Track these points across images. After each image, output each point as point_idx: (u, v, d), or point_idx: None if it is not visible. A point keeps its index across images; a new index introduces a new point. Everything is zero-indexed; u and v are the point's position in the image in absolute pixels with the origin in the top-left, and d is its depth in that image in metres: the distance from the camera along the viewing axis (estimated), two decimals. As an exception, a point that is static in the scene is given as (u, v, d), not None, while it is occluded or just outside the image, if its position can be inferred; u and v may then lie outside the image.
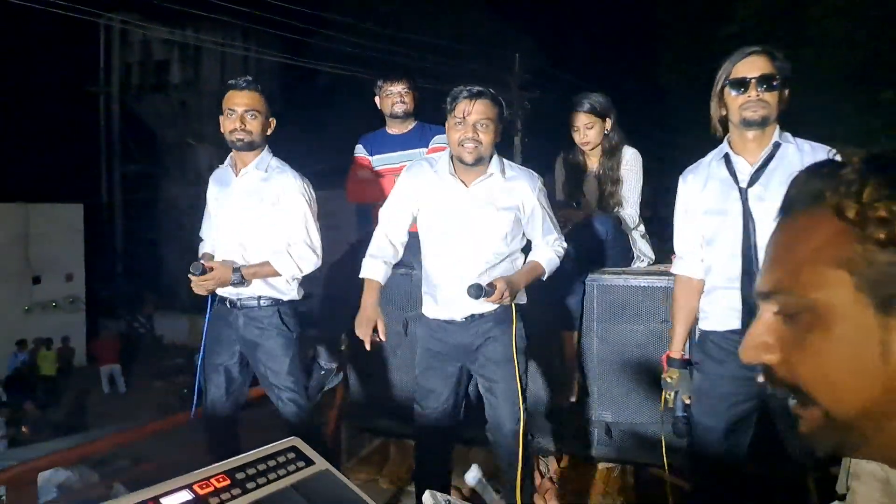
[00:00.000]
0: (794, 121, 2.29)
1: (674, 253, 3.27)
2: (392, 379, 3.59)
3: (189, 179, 21.36)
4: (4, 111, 19.19)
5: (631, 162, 3.23)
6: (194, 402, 3.02)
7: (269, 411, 3.04)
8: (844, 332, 0.61)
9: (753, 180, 2.16)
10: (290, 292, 2.87)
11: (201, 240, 3.08)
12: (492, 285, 2.35)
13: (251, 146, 2.78)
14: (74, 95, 21.40)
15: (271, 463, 1.09)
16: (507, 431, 2.53)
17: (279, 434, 1.31)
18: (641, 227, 3.32)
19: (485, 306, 2.47)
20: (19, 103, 19.77)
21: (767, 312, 0.67)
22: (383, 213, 2.70)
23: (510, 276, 2.43)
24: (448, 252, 2.53)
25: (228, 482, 1.01)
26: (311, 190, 2.88)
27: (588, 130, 3.21)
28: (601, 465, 3.24)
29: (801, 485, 2.45)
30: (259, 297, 2.81)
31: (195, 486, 0.98)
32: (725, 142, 2.28)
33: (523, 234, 2.58)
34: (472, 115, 2.40)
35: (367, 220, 3.66)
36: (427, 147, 3.41)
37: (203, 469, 1.02)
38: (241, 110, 2.74)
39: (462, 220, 2.50)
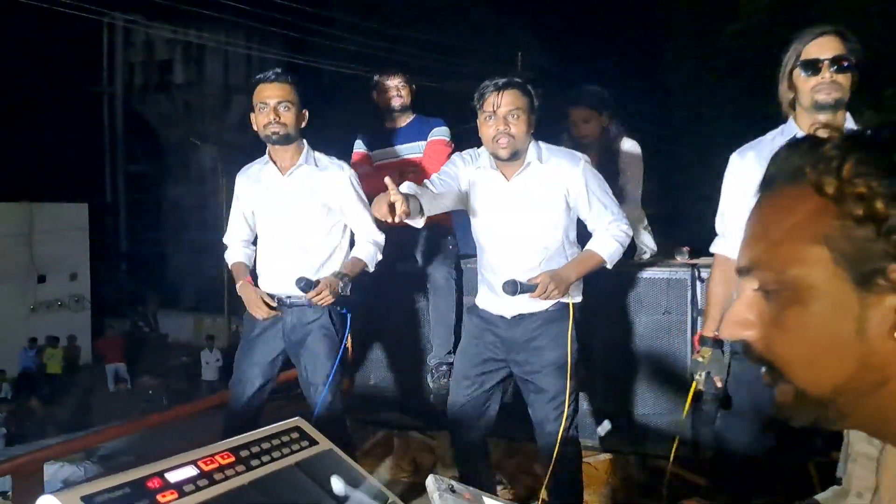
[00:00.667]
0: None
1: (678, 247, 3.29)
2: (396, 372, 3.60)
3: (193, 179, 21.41)
4: (9, 111, 19.25)
5: (630, 153, 3.22)
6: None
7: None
8: (822, 308, 0.62)
9: None
10: (371, 267, 2.80)
11: (225, 246, 3.00)
12: (533, 281, 2.27)
13: (287, 139, 2.68)
14: (78, 95, 21.46)
15: (275, 442, 1.10)
16: (548, 432, 2.44)
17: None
18: (643, 219, 3.32)
19: (535, 305, 2.38)
20: (23, 103, 19.83)
21: (748, 289, 0.67)
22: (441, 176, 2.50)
23: (556, 270, 2.32)
24: (496, 248, 2.47)
25: (233, 459, 1.02)
26: (353, 173, 2.81)
27: (586, 124, 3.20)
28: (604, 456, 3.24)
29: (803, 470, 2.45)
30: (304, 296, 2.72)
31: (200, 462, 0.99)
32: (791, 122, 2.19)
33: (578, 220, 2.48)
34: (501, 108, 2.32)
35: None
36: (426, 140, 3.42)
37: (209, 446, 1.04)
38: (273, 103, 2.63)
39: (506, 214, 2.43)
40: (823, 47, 2.06)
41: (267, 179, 2.79)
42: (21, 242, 16.61)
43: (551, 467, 2.41)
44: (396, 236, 3.40)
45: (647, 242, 3.31)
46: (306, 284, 2.59)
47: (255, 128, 2.73)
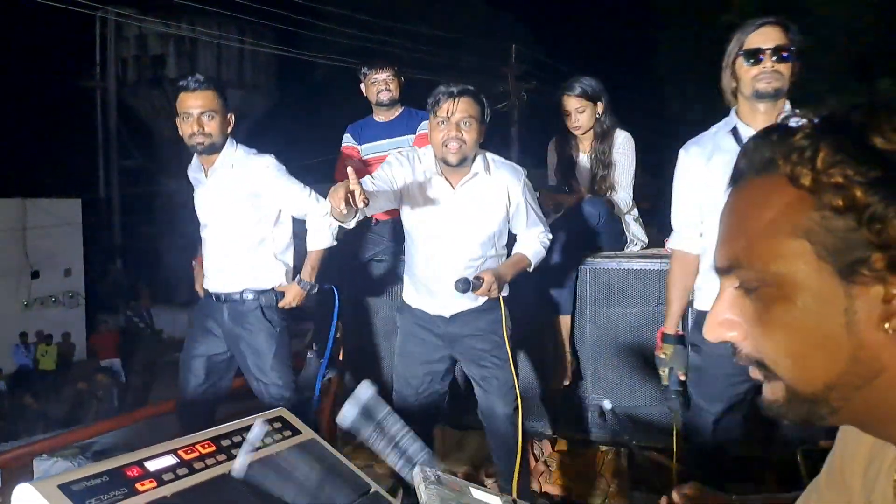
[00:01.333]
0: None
1: (668, 238, 3.29)
2: (386, 367, 3.60)
3: (186, 174, 21.28)
4: (1, 106, 19.14)
5: (623, 145, 3.22)
6: None
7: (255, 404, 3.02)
8: (808, 303, 0.60)
9: None
10: (276, 282, 2.80)
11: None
12: (479, 278, 2.36)
13: (213, 149, 2.69)
14: (71, 90, 21.33)
15: (255, 438, 1.10)
16: (501, 416, 2.53)
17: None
18: (634, 211, 3.33)
19: (470, 303, 2.50)
20: (15, 98, 19.72)
21: (728, 288, 0.66)
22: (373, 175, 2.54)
23: (497, 269, 2.45)
24: (436, 253, 2.52)
25: (214, 448, 1.02)
26: (278, 161, 2.79)
27: (579, 114, 3.20)
28: (594, 448, 3.25)
29: (791, 460, 2.46)
30: (242, 291, 2.75)
31: (180, 451, 0.99)
32: (733, 114, 2.23)
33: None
34: (455, 115, 2.35)
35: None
36: (414, 133, 3.41)
37: (189, 436, 1.03)
38: (196, 112, 2.63)
39: (450, 222, 2.48)
40: (765, 37, 2.09)
41: (197, 179, 2.85)
42: (14, 238, 16.52)
43: (518, 459, 2.47)
44: (386, 231, 3.41)
45: (638, 234, 3.31)
46: (279, 295, 2.73)
47: (180, 133, 2.71)
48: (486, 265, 2.51)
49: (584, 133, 3.26)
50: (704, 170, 2.24)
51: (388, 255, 3.38)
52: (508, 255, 2.62)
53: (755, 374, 0.66)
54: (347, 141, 3.59)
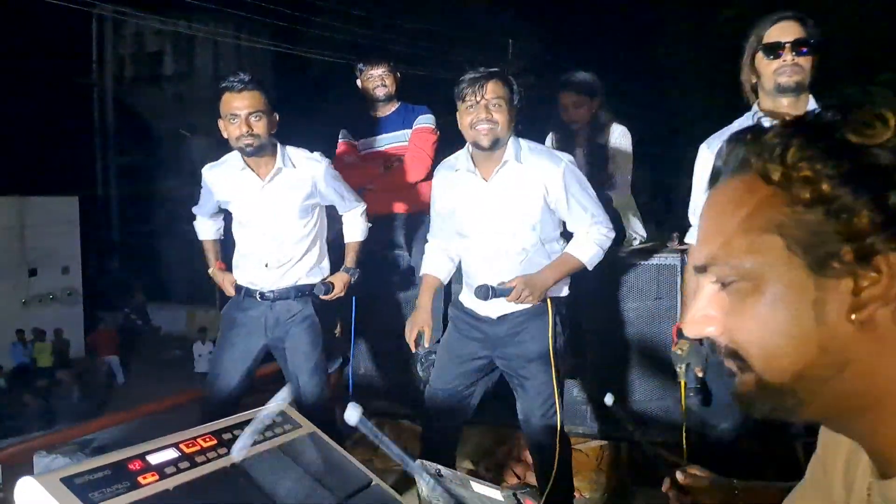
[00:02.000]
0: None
1: (670, 234, 3.29)
2: (389, 361, 3.60)
3: (184, 171, 21.31)
4: (-3, 104, 19.10)
5: (620, 139, 3.22)
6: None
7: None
8: (780, 296, 0.62)
9: None
10: (321, 274, 2.82)
11: (194, 216, 3.06)
12: (508, 285, 2.28)
13: (261, 149, 2.64)
14: (68, 87, 21.29)
15: (258, 425, 1.10)
16: (537, 426, 2.45)
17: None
18: (633, 205, 3.33)
19: (518, 305, 2.37)
20: (12, 96, 19.66)
21: (707, 285, 0.68)
22: (432, 225, 2.66)
23: (532, 275, 2.33)
24: (477, 249, 2.45)
25: (215, 442, 1.02)
26: (328, 161, 2.85)
27: (576, 109, 3.20)
28: (594, 443, 3.25)
29: (790, 453, 2.47)
30: (294, 288, 2.74)
31: (182, 445, 0.99)
32: (756, 109, 2.22)
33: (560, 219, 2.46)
34: (483, 97, 2.29)
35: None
36: (411, 128, 3.41)
37: (191, 429, 1.03)
38: (244, 114, 2.56)
39: (485, 216, 2.41)
40: (784, 31, 2.09)
41: (242, 183, 2.75)
42: (12, 236, 16.51)
43: (555, 469, 2.40)
44: (384, 226, 3.41)
45: (637, 229, 3.31)
46: (327, 289, 2.76)
47: (225, 136, 2.67)
48: (532, 260, 2.39)
49: (580, 127, 3.26)
50: None
51: (401, 250, 3.38)
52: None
53: (730, 365, 0.67)
54: (344, 137, 3.58)
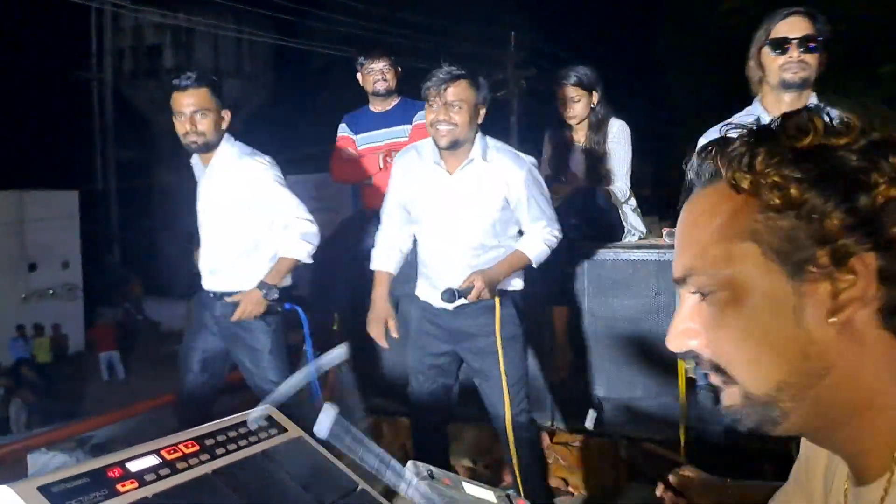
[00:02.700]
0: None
1: (666, 227, 3.27)
2: (383, 358, 3.58)
3: (184, 165, 21.27)
4: (-3, 98, 19.07)
5: (618, 134, 3.20)
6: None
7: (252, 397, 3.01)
8: (758, 303, 0.62)
9: None
10: (306, 259, 2.78)
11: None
12: (468, 285, 2.32)
13: (207, 147, 2.67)
14: (67, 81, 21.25)
15: (243, 430, 1.08)
16: (500, 415, 2.50)
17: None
18: (632, 201, 3.31)
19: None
20: (11, 90, 19.64)
21: (687, 298, 0.68)
22: (383, 213, 2.67)
23: (487, 271, 2.38)
24: (437, 241, 2.50)
25: (197, 448, 1.00)
26: (274, 165, 2.76)
27: (575, 104, 3.19)
28: (593, 440, 3.24)
29: (786, 452, 2.45)
30: (237, 291, 2.70)
31: (163, 451, 0.97)
32: (757, 103, 2.22)
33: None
34: (445, 99, 2.33)
35: (360, 200, 3.64)
36: (410, 123, 3.38)
37: (172, 435, 1.01)
38: (189, 111, 2.61)
39: (447, 209, 2.45)
40: (793, 27, 2.08)
41: (198, 172, 2.81)
42: (11, 231, 16.49)
43: (514, 456, 2.46)
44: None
45: (636, 224, 3.29)
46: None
47: (177, 132, 2.69)
48: (489, 256, 2.45)
49: (579, 123, 3.24)
50: None
51: None
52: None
53: (715, 379, 0.67)
54: (343, 131, 3.56)
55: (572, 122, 3.24)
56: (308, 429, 1.01)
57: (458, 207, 2.44)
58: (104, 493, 0.89)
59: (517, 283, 2.54)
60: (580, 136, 3.28)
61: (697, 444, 2.44)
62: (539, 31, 19.52)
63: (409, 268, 2.75)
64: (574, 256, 3.12)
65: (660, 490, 1.11)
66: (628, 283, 3.10)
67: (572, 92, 3.18)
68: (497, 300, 2.44)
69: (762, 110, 2.18)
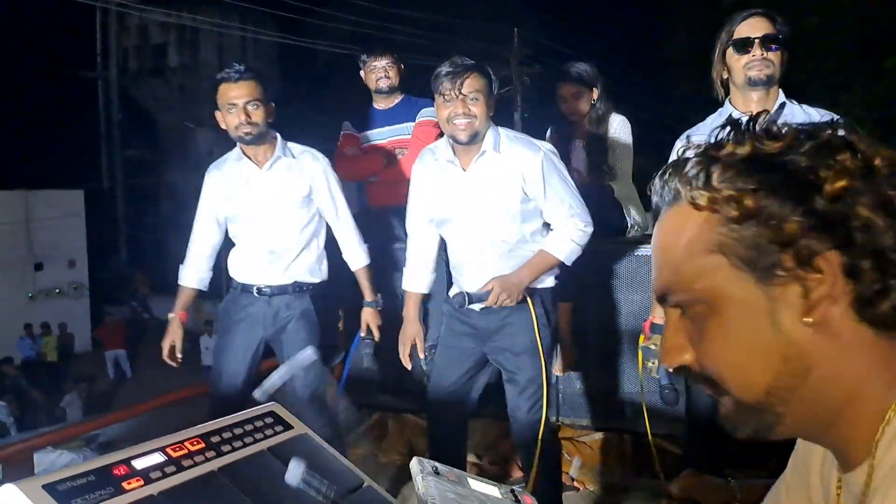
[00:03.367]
0: (799, 89, 2.29)
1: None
2: (391, 355, 3.58)
3: (189, 163, 21.35)
4: (3, 98, 19.13)
5: (619, 129, 3.19)
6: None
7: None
8: (734, 313, 0.64)
9: None
10: (320, 274, 2.82)
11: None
12: (484, 289, 2.28)
13: (260, 138, 2.65)
14: (72, 80, 21.31)
15: (248, 427, 1.08)
16: (523, 420, 2.43)
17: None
18: (635, 196, 3.30)
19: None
20: (17, 90, 19.70)
21: (671, 315, 0.70)
22: (409, 228, 2.64)
23: (507, 276, 2.30)
24: (461, 241, 2.44)
25: (203, 445, 1.00)
26: (328, 162, 2.84)
27: (575, 100, 3.18)
28: (597, 435, 3.24)
29: (790, 443, 2.45)
30: (293, 284, 2.73)
31: (168, 449, 0.97)
32: (727, 104, 2.27)
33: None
34: (461, 90, 2.26)
35: (365, 198, 3.65)
36: (414, 121, 3.38)
37: (178, 433, 1.02)
38: (241, 103, 2.58)
39: (465, 206, 2.38)
40: (754, 27, 2.16)
41: (239, 176, 2.75)
42: (18, 230, 16.56)
43: (536, 460, 2.40)
44: (386, 219, 3.39)
45: (639, 219, 3.28)
46: (373, 347, 2.91)
47: (223, 127, 2.67)
48: (513, 252, 2.36)
49: (580, 118, 3.23)
50: None
51: (402, 243, 3.36)
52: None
53: (707, 392, 0.69)
54: (346, 128, 3.56)
55: (573, 118, 3.23)
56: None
57: (475, 203, 2.36)
58: (110, 490, 0.89)
59: (549, 282, 2.45)
60: (581, 131, 3.27)
61: (697, 439, 2.44)
62: (543, 27, 19.48)
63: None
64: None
65: None
66: (632, 278, 3.09)
67: (573, 88, 3.17)
68: (530, 302, 2.36)
69: (732, 110, 2.24)
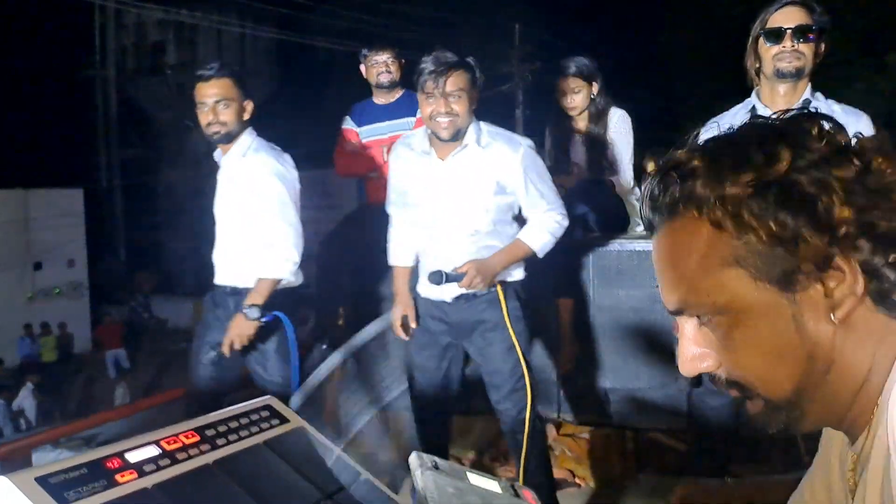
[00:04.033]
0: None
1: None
2: (392, 352, 3.57)
3: (188, 162, 21.32)
4: (0, 96, 19.09)
5: (619, 124, 3.19)
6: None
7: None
8: (760, 321, 0.65)
9: None
10: (288, 278, 2.74)
11: None
12: (460, 270, 2.28)
13: (229, 137, 2.64)
14: (70, 79, 21.27)
15: (244, 420, 1.07)
16: (505, 410, 2.46)
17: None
18: (636, 191, 3.29)
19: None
20: (15, 88, 19.67)
21: (688, 324, 0.70)
22: (388, 209, 2.63)
23: (483, 260, 2.33)
24: (432, 230, 2.45)
25: (198, 438, 0.99)
26: (293, 170, 2.69)
27: (575, 95, 3.17)
28: (597, 430, 3.23)
29: (791, 438, 2.45)
30: (246, 287, 2.66)
31: (162, 442, 0.95)
32: (754, 94, 2.23)
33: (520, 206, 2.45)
34: (444, 88, 2.26)
35: (365, 194, 3.63)
36: (415, 116, 3.37)
37: (173, 426, 1.00)
38: (211, 101, 2.59)
39: (441, 197, 2.40)
40: (788, 16, 2.09)
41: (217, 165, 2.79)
42: (16, 230, 16.51)
43: (524, 448, 2.41)
44: (385, 214, 3.38)
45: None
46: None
47: (200, 124, 2.68)
48: (484, 242, 2.38)
49: (579, 113, 3.22)
50: None
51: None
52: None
53: (735, 394, 0.70)
54: (347, 124, 3.55)
55: (573, 112, 3.23)
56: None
57: (449, 194, 2.38)
58: (103, 483, 0.88)
59: (518, 274, 2.47)
60: (581, 126, 3.26)
61: (700, 434, 2.43)
62: (544, 23, 19.40)
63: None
64: (579, 248, 3.10)
65: None
66: (633, 273, 3.08)
67: (572, 83, 3.17)
68: (500, 292, 2.38)
69: (757, 101, 2.19)
